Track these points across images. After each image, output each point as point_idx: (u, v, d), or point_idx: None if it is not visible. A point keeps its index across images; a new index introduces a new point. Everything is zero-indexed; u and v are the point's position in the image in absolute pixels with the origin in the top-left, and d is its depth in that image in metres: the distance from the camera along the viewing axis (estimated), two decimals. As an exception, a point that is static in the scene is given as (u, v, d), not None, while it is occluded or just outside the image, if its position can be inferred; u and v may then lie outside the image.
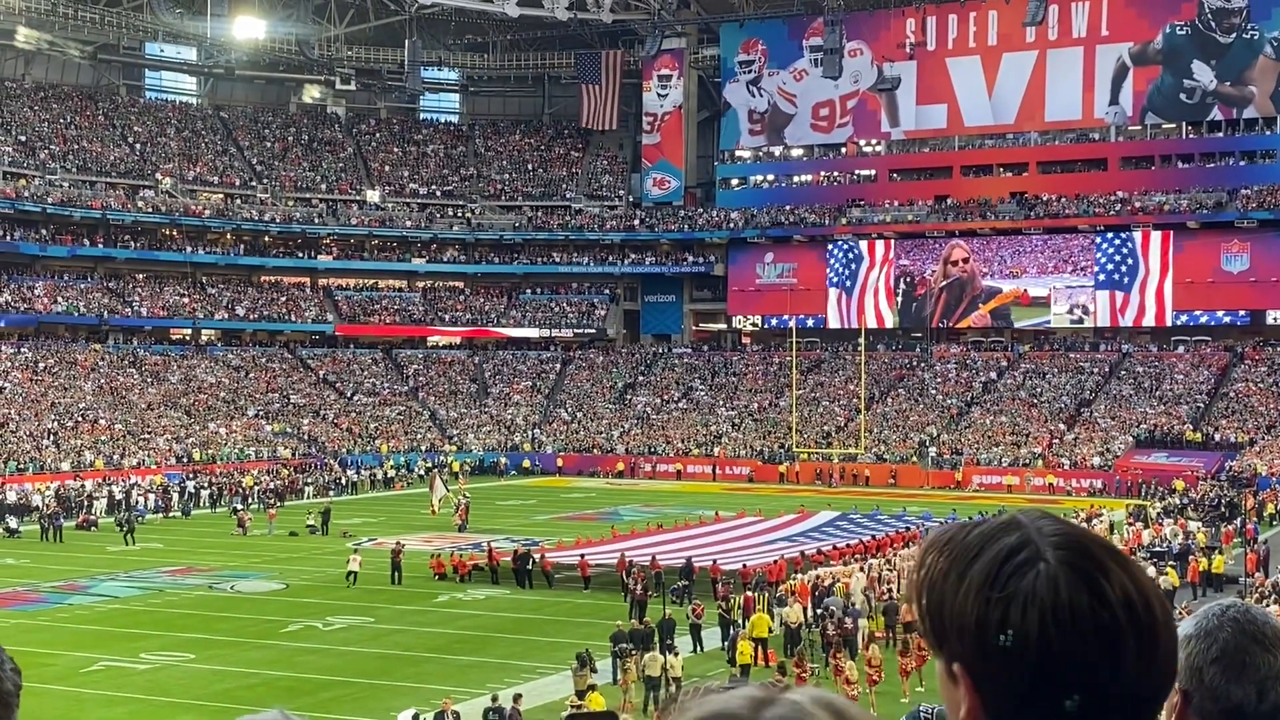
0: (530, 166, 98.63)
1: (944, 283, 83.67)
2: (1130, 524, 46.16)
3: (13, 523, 51.53)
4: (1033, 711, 1.53)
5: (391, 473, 70.20)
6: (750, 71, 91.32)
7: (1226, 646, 1.97)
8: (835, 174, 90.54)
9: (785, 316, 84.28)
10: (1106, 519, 47.51)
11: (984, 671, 1.54)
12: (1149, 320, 79.26)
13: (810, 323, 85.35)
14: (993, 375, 79.66)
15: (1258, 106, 79.17)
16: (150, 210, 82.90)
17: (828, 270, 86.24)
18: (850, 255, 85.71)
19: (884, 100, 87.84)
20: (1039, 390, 76.76)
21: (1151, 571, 36.26)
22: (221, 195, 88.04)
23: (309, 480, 65.79)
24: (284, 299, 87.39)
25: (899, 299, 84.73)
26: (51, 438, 65.98)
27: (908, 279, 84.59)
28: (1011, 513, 1.62)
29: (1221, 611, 2.04)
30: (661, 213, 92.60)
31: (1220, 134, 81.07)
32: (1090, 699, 1.51)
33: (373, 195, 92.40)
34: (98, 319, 78.93)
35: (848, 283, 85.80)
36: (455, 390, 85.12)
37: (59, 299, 78.40)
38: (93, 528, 52.20)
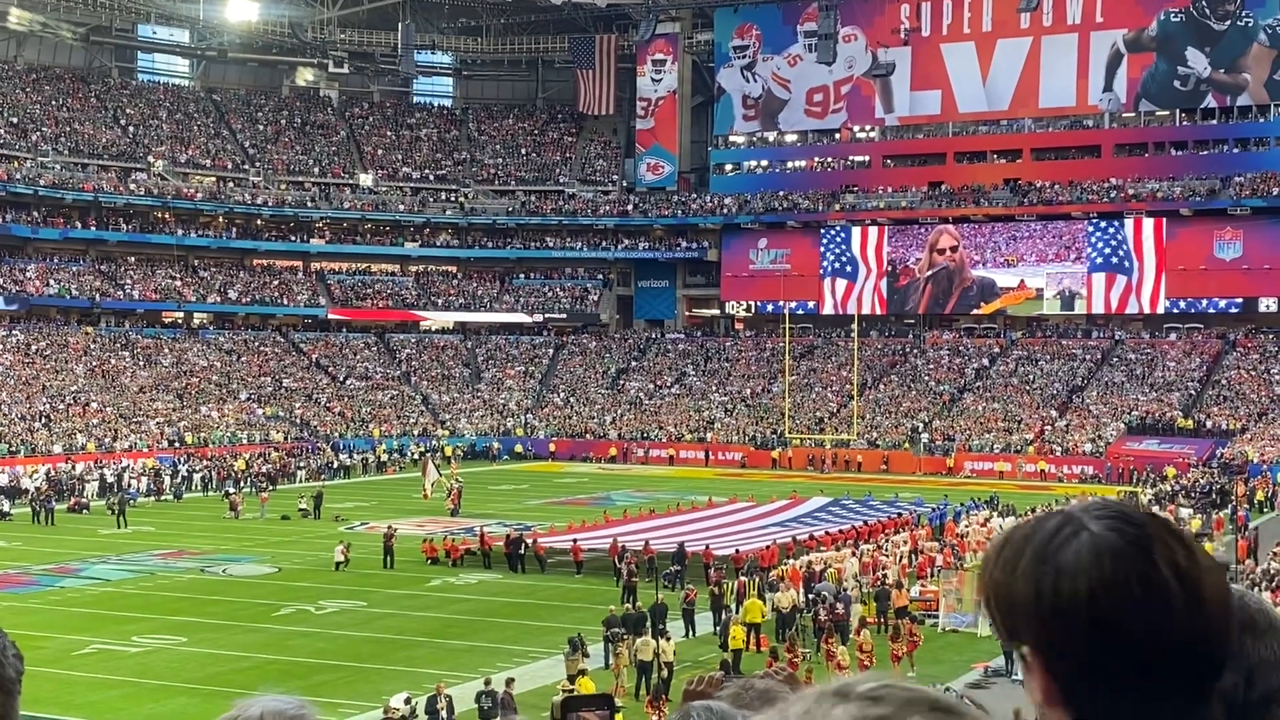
0: (523, 151, 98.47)
1: (929, 272, 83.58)
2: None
3: (4, 505, 51.50)
4: (1098, 678, 1.58)
5: (384, 457, 70.17)
6: (744, 56, 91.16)
7: (1218, 633, 1.97)
8: (829, 160, 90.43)
9: (778, 302, 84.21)
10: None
11: (1049, 647, 1.59)
12: (1146, 308, 79.31)
13: (802, 311, 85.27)
14: (985, 362, 79.75)
15: (1251, 94, 79.17)
16: (142, 193, 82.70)
17: (821, 256, 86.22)
18: (843, 242, 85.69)
19: (878, 86, 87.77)
20: (1031, 377, 76.86)
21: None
22: (214, 178, 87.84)
23: (301, 464, 65.76)
24: (276, 282, 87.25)
25: (884, 290, 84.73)
26: (43, 420, 65.88)
27: (890, 267, 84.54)
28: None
29: (1215, 598, 2.04)
30: (655, 198, 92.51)
31: (1214, 121, 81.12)
32: (1143, 663, 1.56)
33: (365, 179, 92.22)
34: (89, 302, 78.79)
35: (841, 270, 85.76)
36: (448, 375, 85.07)
37: (51, 281, 78.24)
38: (84, 510, 52.13)
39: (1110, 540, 1.57)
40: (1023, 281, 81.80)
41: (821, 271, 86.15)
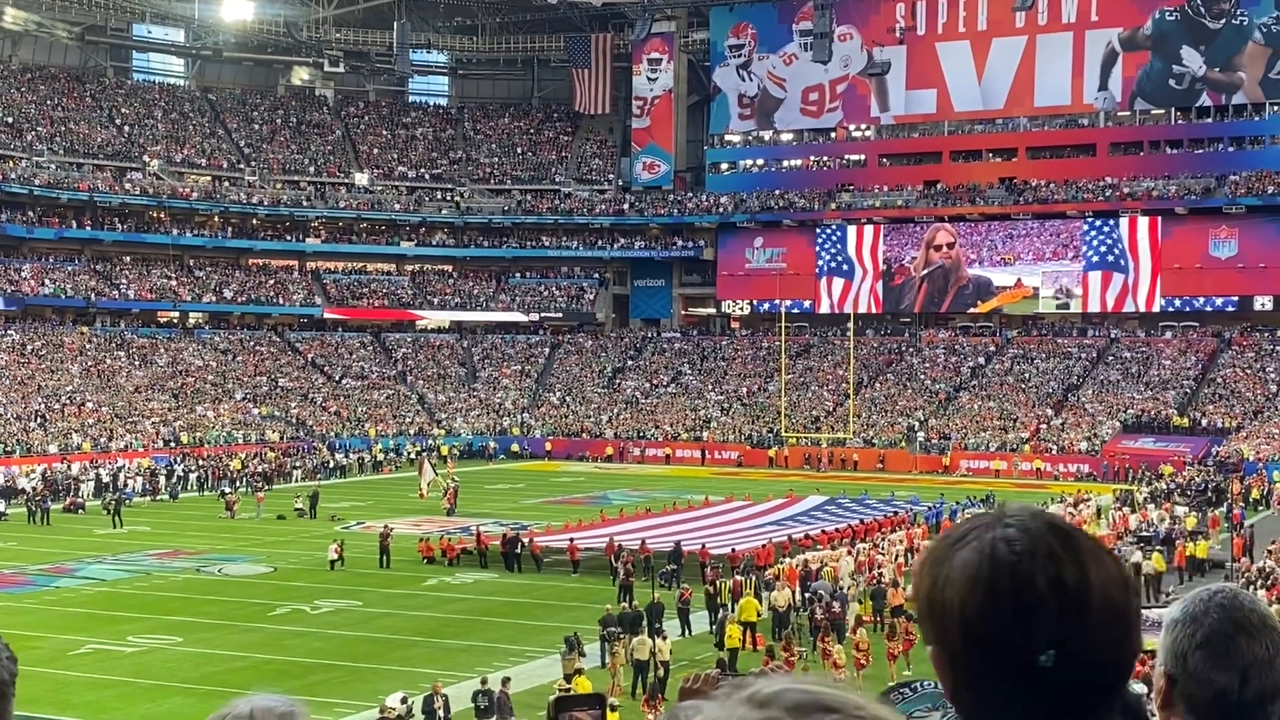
0: (519, 150, 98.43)
1: (925, 271, 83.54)
2: (1117, 509, 46.29)
3: (0, 505, 51.46)
4: (973, 680, 1.60)
5: (380, 456, 70.15)
6: (740, 55, 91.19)
7: (1212, 632, 1.97)
8: (824, 159, 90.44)
9: (774, 301, 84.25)
10: (1094, 504, 47.66)
11: (944, 646, 1.62)
12: (1142, 306, 79.33)
13: (798, 310, 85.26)
14: (981, 360, 79.79)
15: (1246, 92, 79.22)
16: (138, 192, 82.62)
17: (817, 255, 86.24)
18: (839, 241, 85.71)
19: (873, 85, 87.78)
20: (1027, 375, 76.91)
21: (1138, 556, 36.44)
22: (209, 178, 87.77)
23: (297, 464, 65.74)
24: (272, 282, 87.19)
25: (880, 289, 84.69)
26: (39, 420, 65.82)
27: (885, 266, 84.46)
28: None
29: (1209, 597, 2.04)
30: (651, 197, 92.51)
31: (1209, 120, 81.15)
32: (1014, 668, 1.57)
33: (361, 178, 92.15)
34: (85, 301, 78.72)
35: (837, 269, 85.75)
36: (443, 374, 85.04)
37: (46, 281, 78.15)
38: (80, 510, 52.11)
39: (995, 549, 1.59)
40: (1020, 280, 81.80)
41: (817, 270, 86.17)
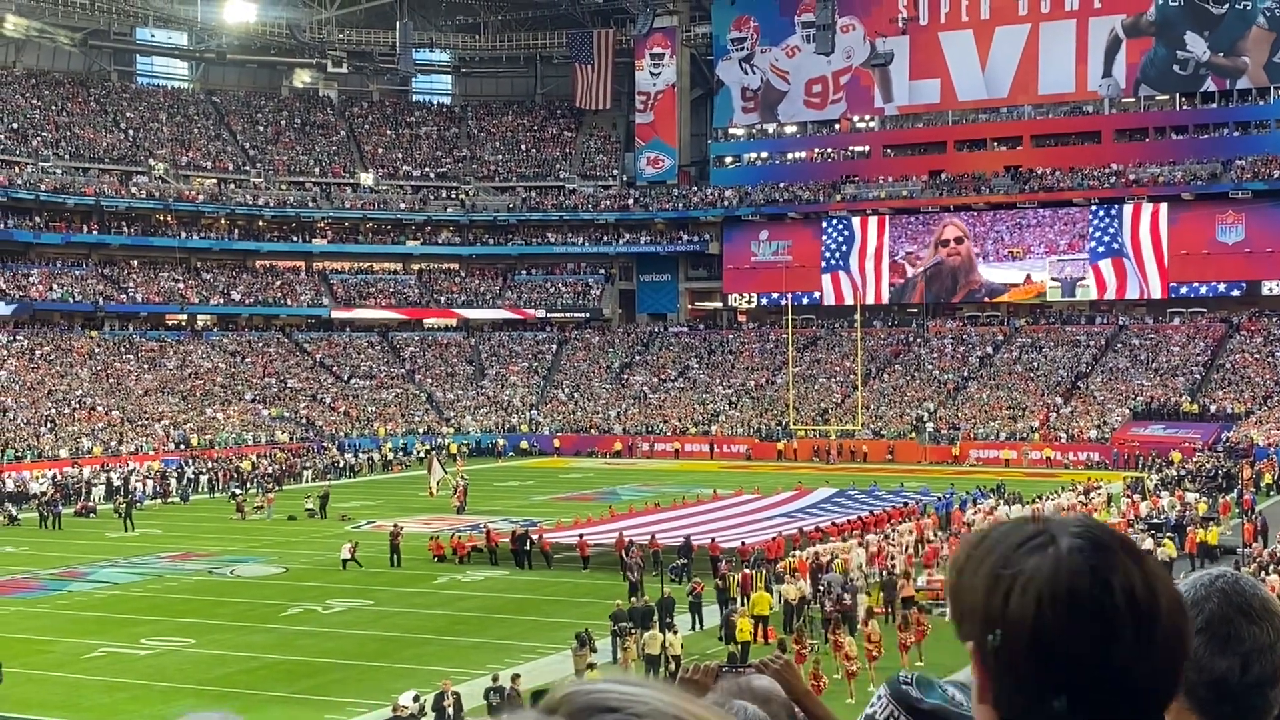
0: (523, 147, 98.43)
1: (932, 263, 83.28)
2: (1128, 496, 46.21)
3: (12, 510, 51.59)
4: (1028, 689, 1.56)
5: (389, 455, 70.23)
6: (743, 49, 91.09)
7: (1212, 617, 1.97)
8: (829, 150, 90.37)
9: (781, 294, 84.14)
10: (1104, 492, 47.58)
11: (995, 649, 1.58)
12: (1150, 293, 79.15)
13: (805, 302, 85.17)
14: (989, 350, 79.67)
15: (1251, 77, 79.01)
16: (144, 196, 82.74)
17: (822, 247, 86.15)
18: (845, 232, 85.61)
19: (877, 76, 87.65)
20: (1035, 364, 76.80)
21: (1149, 544, 36.39)
22: (215, 180, 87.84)
23: (307, 464, 65.81)
24: (279, 283, 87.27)
25: (885, 281, 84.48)
26: (49, 425, 65.96)
27: (892, 258, 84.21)
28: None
29: (1210, 581, 2.04)
30: (656, 192, 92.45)
31: (1214, 105, 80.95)
32: (1080, 686, 1.53)
33: (366, 178, 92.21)
34: (93, 306, 78.84)
35: (843, 260, 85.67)
36: (452, 372, 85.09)
37: (54, 286, 78.28)
38: (91, 514, 52.18)
39: (1073, 560, 1.55)
40: (1029, 276, 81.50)
41: (823, 262, 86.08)
